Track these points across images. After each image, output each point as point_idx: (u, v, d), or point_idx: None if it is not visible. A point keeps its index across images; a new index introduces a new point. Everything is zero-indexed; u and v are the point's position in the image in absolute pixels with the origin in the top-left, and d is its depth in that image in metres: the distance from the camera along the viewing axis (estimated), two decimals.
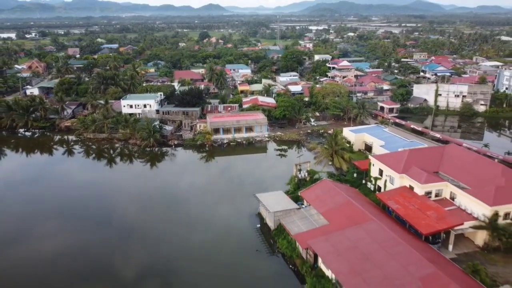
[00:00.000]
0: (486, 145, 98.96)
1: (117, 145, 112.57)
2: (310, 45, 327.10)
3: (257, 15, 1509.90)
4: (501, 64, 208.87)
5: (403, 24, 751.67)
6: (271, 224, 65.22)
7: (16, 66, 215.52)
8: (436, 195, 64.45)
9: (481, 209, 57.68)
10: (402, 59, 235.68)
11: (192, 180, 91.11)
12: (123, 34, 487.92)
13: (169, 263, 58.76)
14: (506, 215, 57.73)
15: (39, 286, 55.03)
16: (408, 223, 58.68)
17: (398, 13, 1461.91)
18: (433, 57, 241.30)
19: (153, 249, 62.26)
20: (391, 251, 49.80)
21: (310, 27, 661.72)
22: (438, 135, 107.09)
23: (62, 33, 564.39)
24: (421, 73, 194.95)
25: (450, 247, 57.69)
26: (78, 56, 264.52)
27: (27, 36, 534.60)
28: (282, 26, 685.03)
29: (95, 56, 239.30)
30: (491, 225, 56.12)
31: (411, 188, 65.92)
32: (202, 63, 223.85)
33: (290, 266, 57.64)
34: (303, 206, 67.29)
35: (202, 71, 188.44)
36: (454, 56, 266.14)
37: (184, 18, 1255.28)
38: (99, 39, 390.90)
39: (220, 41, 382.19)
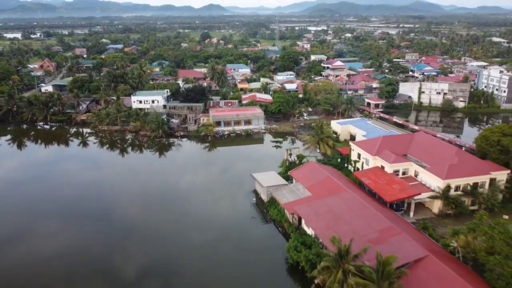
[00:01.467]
0: (458, 136, 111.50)
1: (128, 136, 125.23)
2: (307, 46, 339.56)
3: (258, 15, 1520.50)
4: (486, 64, 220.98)
5: (401, 25, 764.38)
6: (264, 197, 77.77)
7: (28, 65, 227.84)
8: (403, 173, 76.92)
9: (436, 183, 70.19)
10: (394, 60, 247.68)
11: (196, 165, 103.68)
12: (126, 35, 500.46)
13: (180, 219, 71.43)
14: (457, 188, 70.12)
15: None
16: (377, 195, 71.16)
17: (398, 14, 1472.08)
18: (423, 58, 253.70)
19: (170, 215, 74.98)
20: (359, 213, 62.29)
21: (309, 28, 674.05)
22: (416, 127, 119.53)
23: (66, 33, 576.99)
24: (410, 73, 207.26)
25: (411, 214, 70.16)
26: (85, 56, 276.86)
27: (32, 36, 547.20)
28: (282, 26, 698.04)
29: (103, 56, 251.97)
30: (444, 195, 68.53)
31: (383, 167, 78.38)
32: (204, 62, 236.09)
33: (279, 229, 70.09)
34: (292, 183, 79.76)
35: (204, 70, 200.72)
36: (445, 56, 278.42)
37: (185, 18, 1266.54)
38: (103, 40, 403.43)
39: (221, 41, 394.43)
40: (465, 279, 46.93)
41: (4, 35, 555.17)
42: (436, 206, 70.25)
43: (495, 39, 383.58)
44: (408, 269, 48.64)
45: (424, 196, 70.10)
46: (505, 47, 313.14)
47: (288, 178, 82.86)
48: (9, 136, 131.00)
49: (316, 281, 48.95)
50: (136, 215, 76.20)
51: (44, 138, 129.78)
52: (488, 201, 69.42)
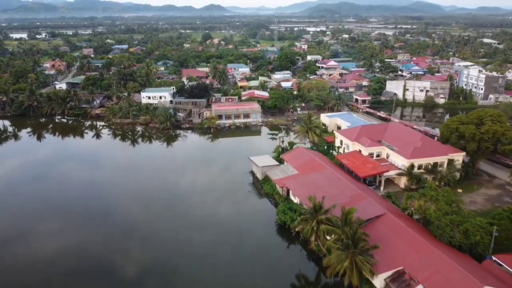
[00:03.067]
0: (434, 128, 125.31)
1: (139, 128, 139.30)
2: (305, 47, 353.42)
3: (258, 16, 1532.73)
4: (471, 64, 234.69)
5: (398, 26, 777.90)
6: (259, 176, 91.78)
7: (41, 64, 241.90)
8: (377, 156, 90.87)
9: (402, 162, 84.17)
10: (387, 60, 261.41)
11: (200, 153, 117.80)
12: (130, 35, 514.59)
13: (189, 192, 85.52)
14: (420, 166, 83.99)
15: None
16: (353, 172, 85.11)
17: (398, 14, 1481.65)
18: (414, 58, 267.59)
19: (178, 191, 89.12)
20: (336, 184, 76.28)
21: (308, 29, 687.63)
22: (396, 120, 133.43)
23: (71, 33, 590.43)
24: (399, 72, 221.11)
25: (382, 188, 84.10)
26: (92, 56, 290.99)
27: (38, 36, 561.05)
28: (282, 27, 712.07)
29: (110, 56, 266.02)
30: (408, 172, 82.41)
31: (360, 151, 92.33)
32: (206, 62, 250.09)
33: (271, 201, 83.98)
34: (283, 164, 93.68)
35: (206, 69, 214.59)
36: (435, 57, 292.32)
37: (186, 18, 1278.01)
38: (108, 40, 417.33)
39: (222, 42, 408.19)
40: (412, 229, 61.02)
41: (10, 35, 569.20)
42: (402, 181, 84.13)
43: (486, 40, 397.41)
44: (370, 223, 62.73)
45: (392, 173, 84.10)
46: (493, 48, 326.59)
47: (280, 161, 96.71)
48: (29, 129, 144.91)
49: (296, 229, 62.94)
50: (156, 187, 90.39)
51: (62, 130, 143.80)
52: (446, 177, 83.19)
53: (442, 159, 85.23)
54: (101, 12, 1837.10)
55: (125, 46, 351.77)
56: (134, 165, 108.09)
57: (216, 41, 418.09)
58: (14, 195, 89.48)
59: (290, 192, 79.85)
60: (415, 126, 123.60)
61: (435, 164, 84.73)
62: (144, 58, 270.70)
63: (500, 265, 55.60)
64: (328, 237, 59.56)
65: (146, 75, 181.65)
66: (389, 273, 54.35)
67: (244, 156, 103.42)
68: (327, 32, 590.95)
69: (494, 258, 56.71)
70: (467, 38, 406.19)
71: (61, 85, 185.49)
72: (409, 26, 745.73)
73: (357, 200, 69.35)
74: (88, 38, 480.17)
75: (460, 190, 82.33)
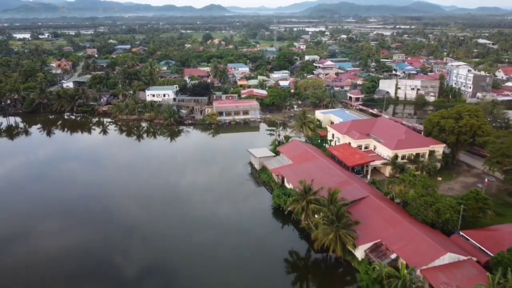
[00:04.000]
0: (421, 123, 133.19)
1: (144, 124, 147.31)
2: (303, 47, 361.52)
3: (258, 16, 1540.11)
4: (464, 64, 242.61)
5: (397, 26, 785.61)
6: (257, 166, 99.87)
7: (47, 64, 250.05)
8: (365, 147, 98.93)
9: (387, 153, 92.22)
10: (382, 60, 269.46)
11: (202, 146, 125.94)
12: (132, 35, 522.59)
13: (193, 180, 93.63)
14: (403, 157, 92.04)
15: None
16: (342, 162, 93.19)
17: (398, 14, 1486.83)
18: (409, 58, 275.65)
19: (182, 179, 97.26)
20: (326, 172, 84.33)
21: (308, 29, 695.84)
22: (387, 116, 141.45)
23: (73, 33, 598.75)
24: (394, 71, 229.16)
25: (368, 176, 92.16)
26: (96, 55, 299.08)
27: (41, 36, 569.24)
28: (281, 27, 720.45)
29: (114, 56, 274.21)
30: (392, 162, 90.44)
31: (349, 143, 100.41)
32: (207, 62, 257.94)
33: (268, 189, 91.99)
34: (278, 156, 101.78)
35: (207, 69, 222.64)
36: (430, 57, 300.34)
37: (187, 18, 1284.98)
38: (111, 40, 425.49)
39: (222, 42, 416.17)
40: (391, 209, 69.15)
41: (13, 35, 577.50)
42: (387, 171, 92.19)
43: (480, 40, 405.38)
44: (354, 204, 70.84)
45: (378, 163, 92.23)
46: (486, 49, 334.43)
47: (277, 153, 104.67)
48: (40, 125, 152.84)
49: (289, 209, 71.07)
50: (163, 178, 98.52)
51: (71, 126, 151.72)
52: (427, 167, 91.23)
53: (424, 150, 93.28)
54: (102, 12, 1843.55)
55: (127, 46, 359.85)
56: (141, 157, 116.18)
57: (216, 41, 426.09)
58: (29, 187, 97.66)
59: (285, 179, 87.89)
60: (404, 122, 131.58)
61: (418, 155, 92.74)
62: (146, 58, 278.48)
63: (467, 239, 63.63)
64: (316, 216, 67.66)
65: (149, 74, 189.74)
66: (368, 245, 62.44)
67: (243, 150, 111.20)
68: (326, 33, 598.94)
69: (461, 233, 64.76)
70: (462, 38, 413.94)
71: (68, 84, 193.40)
72: (408, 27, 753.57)
73: (343, 185, 77.30)
74: (91, 38, 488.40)
75: (440, 178, 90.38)
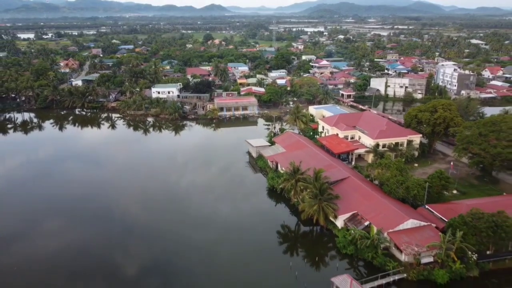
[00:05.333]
0: None
1: (150, 118, 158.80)
2: (301, 47, 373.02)
3: (258, 16, 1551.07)
4: (453, 63, 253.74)
5: (395, 27, 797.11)
6: (254, 154, 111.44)
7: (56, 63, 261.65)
8: (351, 138, 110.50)
9: (370, 142, 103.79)
10: (376, 59, 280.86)
11: (205, 139, 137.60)
12: (134, 36, 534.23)
13: (197, 166, 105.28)
14: (384, 145, 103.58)
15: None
16: (330, 150, 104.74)
17: (398, 15, 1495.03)
18: (401, 58, 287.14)
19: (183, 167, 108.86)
20: (314, 158, 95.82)
21: (306, 29, 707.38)
22: (374, 111, 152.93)
23: (76, 34, 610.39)
24: (386, 71, 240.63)
25: (353, 162, 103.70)
26: (101, 55, 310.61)
27: (45, 37, 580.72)
28: (281, 27, 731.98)
29: (119, 56, 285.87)
30: (374, 150, 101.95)
31: (337, 134, 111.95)
32: (208, 61, 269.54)
33: (264, 174, 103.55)
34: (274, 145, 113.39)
35: (208, 68, 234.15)
36: (423, 57, 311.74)
37: (187, 18, 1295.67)
38: (114, 40, 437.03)
39: (223, 42, 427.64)
40: (368, 187, 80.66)
41: (18, 35, 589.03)
42: (370, 158, 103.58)
43: (473, 41, 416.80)
44: (337, 184, 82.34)
45: (361, 150, 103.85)
46: (477, 49, 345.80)
47: (272, 144, 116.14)
48: (54, 120, 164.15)
49: (280, 187, 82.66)
50: (169, 166, 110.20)
51: (82, 121, 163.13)
52: (405, 154, 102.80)
53: (403, 140, 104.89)
54: (102, 12, 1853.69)
55: (131, 47, 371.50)
56: (150, 148, 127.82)
57: (217, 41, 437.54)
58: (42, 179, 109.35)
59: (278, 165, 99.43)
60: (390, 117, 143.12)
61: (397, 144, 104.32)
62: (150, 57, 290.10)
63: (432, 211, 75.14)
64: (303, 192, 79.20)
65: (154, 73, 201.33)
66: (347, 215, 73.96)
67: (242, 141, 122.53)
68: (324, 33, 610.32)
69: (427, 206, 76.29)
70: (455, 39, 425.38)
71: (77, 82, 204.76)
72: (405, 27, 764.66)
73: (329, 168, 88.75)
74: (94, 38, 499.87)
75: (416, 165, 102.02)
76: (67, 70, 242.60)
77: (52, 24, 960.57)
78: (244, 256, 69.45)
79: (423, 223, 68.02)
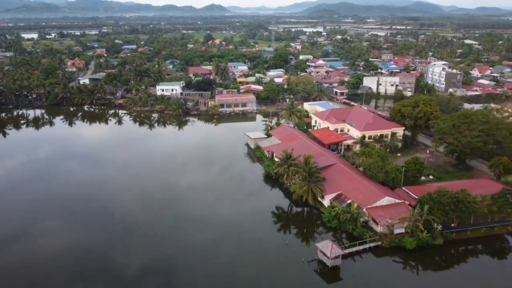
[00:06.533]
0: None
1: (155, 114, 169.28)
2: (299, 47, 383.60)
3: (258, 16, 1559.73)
4: (445, 63, 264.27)
5: (393, 27, 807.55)
6: (252, 145, 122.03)
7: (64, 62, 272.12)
8: (341, 130, 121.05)
9: (357, 134, 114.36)
10: (371, 59, 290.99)
11: (207, 133, 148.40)
12: (135, 36, 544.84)
13: (199, 157, 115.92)
14: (370, 137, 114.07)
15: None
16: (321, 142, 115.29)
17: (397, 15, 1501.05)
18: (396, 57, 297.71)
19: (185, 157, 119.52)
20: (306, 148, 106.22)
21: (305, 29, 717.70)
22: (365, 108, 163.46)
23: (79, 34, 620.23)
24: (379, 70, 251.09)
25: (341, 152, 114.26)
26: (105, 55, 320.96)
27: (48, 37, 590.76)
28: (280, 27, 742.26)
29: (123, 55, 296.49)
30: (361, 141, 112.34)
31: (328, 127, 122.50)
32: (209, 61, 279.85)
33: (261, 163, 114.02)
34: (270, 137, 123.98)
35: (209, 67, 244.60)
36: (417, 57, 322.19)
37: (187, 18, 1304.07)
38: (117, 41, 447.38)
39: (223, 43, 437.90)
40: (352, 172, 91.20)
41: (21, 35, 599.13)
42: (357, 148, 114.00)
43: (467, 41, 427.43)
44: (326, 169, 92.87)
45: (349, 141, 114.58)
46: (468, 49, 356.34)
47: (269, 136, 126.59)
48: (64, 116, 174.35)
49: (275, 171, 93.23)
50: (175, 156, 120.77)
51: (91, 117, 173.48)
52: (389, 145, 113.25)
53: (387, 132, 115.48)
54: (103, 12, 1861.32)
55: (133, 47, 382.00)
56: (156, 141, 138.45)
57: (217, 41, 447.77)
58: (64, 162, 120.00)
59: (274, 154, 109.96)
60: (379, 112, 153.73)
61: (382, 136, 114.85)
62: (153, 57, 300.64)
63: (408, 193, 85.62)
64: (295, 176, 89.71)
65: (158, 71, 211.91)
66: (332, 195, 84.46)
67: (241, 135, 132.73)
68: (323, 33, 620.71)
69: (403, 188, 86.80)
70: (449, 39, 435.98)
71: (84, 81, 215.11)
72: (403, 27, 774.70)
73: (318, 156, 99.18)
74: (97, 38, 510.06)
75: (399, 155, 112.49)
76: (74, 69, 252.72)
77: (54, 24, 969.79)
78: (242, 232, 79.52)
79: (397, 201, 78.59)
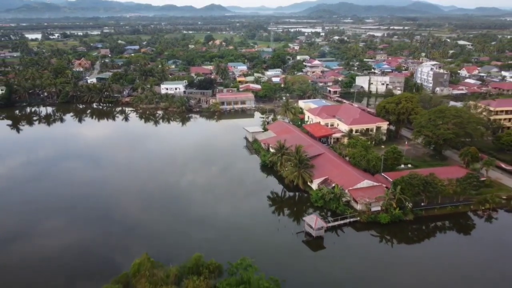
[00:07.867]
0: None
1: (159, 111, 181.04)
2: (297, 48, 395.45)
3: (258, 16, 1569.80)
4: (435, 63, 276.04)
5: (391, 27, 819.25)
6: (250, 139, 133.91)
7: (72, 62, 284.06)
8: (331, 125, 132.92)
9: (345, 128, 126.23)
10: (366, 59, 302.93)
11: (209, 128, 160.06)
12: (137, 36, 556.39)
13: (201, 149, 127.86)
14: (356, 131, 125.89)
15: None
16: (313, 135, 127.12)
17: (396, 15, 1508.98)
18: (389, 58, 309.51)
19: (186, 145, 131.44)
20: (298, 140, 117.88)
21: (304, 30, 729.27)
22: (356, 105, 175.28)
23: (81, 34, 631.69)
24: (372, 70, 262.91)
25: (331, 143, 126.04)
26: (110, 55, 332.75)
27: (51, 37, 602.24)
28: (279, 28, 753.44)
29: (127, 56, 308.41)
30: (348, 134, 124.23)
31: (320, 122, 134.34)
32: (209, 61, 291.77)
33: (258, 155, 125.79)
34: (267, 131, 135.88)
35: (210, 67, 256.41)
36: (410, 57, 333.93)
37: (187, 18, 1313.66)
38: (120, 41, 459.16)
39: (223, 43, 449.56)
40: (339, 160, 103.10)
41: (25, 35, 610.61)
42: (345, 140, 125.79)
43: (460, 42, 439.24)
44: (315, 158, 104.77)
45: (338, 135, 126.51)
46: (460, 49, 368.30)
47: (265, 130, 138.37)
48: (74, 113, 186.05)
49: (269, 159, 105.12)
50: (178, 149, 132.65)
51: (99, 114, 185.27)
52: (374, 138, 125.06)
53: (372, 126, 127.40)
54: (103, 12, 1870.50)
55: (136, 47, 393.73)
56: (161, 135, 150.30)
57: (217, 42, 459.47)
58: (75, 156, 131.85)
59: (269, 146, 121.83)
60: (368, 109, 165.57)
61: (367, 129, 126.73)
62: (155, 57, 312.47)
63: (386, 178, 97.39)
64: (287, 163, 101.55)
65: (162, 71, 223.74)
66: (320, 179, 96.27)
67: (240, 130, 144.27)
68: (321, 34, 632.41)
69: (383, 174, 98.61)
70: (443, 40, 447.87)
71: (92, 80, 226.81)
72: (401, 27, 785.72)
73: (309, 147, 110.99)
74: (100, 39, 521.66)
75: (383, 147, 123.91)
76: (81, 69, 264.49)
77: (56, 25, 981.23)
78: (242, 214, 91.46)
79: (375, 184, 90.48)
